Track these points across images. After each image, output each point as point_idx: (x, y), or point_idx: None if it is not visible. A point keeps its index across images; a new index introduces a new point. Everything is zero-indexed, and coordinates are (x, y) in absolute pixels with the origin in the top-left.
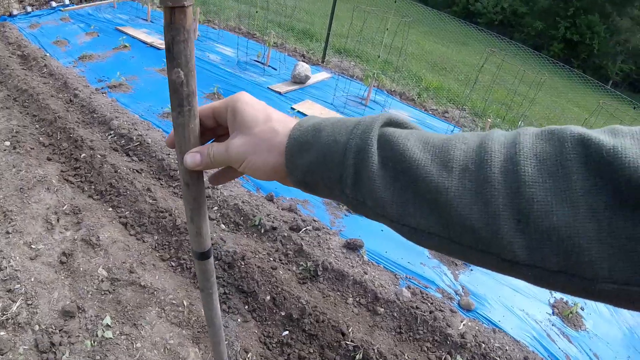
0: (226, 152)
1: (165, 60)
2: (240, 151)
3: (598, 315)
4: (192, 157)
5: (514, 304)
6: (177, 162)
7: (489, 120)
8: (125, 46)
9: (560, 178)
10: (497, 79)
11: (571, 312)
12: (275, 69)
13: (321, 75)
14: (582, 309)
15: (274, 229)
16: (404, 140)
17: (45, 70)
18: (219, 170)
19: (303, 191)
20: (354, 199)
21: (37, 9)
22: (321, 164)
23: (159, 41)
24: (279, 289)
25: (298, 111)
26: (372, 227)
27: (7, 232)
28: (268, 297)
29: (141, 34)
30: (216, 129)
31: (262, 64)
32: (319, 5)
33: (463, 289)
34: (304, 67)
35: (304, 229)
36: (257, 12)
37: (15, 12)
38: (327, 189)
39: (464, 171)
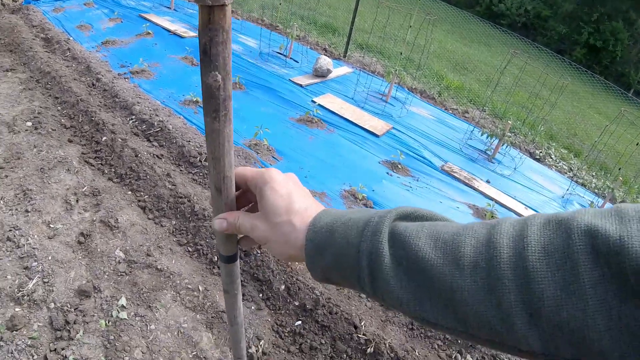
0: (251, 230)
1: (187, 48)
2: (262, 235)
3: None
4: (220, 224)
5: None
6: (197, 148)
7: (509, 122)
8: (149, 33)
9: (568, 271)
10: (519, 81)
11: None
12: (297, 62)
13: (342, 70)
14: None
15: None
16: (415, 240)
17: (68, 53)
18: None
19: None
20: (374, 295)
21: None
22: (338, 266)
23: (182, 29)
24: (294, 279)
25: (319, 104)
26: None
27: (27, 211)
28: (282, 287)
29: (164, 22)
30: (248, 193)
31: (284, 56)
32: None
33: None
34: (325, 61)
35: None
36: (280, 4)
37: None
38: (348, 285)
39: (475, 268)
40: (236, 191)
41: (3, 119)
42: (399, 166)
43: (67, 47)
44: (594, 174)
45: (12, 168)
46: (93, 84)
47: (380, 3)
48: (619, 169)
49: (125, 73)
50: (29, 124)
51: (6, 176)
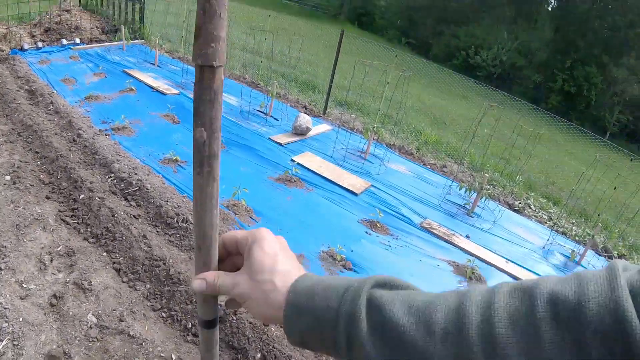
0: (231, 288)
1: (169, 106)
2: (243, 292)
3: None
4: (199, 285)
5: None
6: (174, 209)
7: (486, 175)
8: (132, 89)
9: (532, 335)
10: (496, 132)
11: None
12: (277, 120)
13: (322, 128)
14: None
15: None
16: (389, 306)
17: (51, 107)
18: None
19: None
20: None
21: (48, 45)
22: (316, 329)
23: (164, 86)
24: (270, 347)
25: (298, 163)
26: None
27: (0, 269)
28: (259, 355)
29: (148, 78)
30: (236, 258)
31: (265, 114)
32: (322, 56)
33: None
34: (305, 119)
35: None
36: (261, 61)
37: (26, 46)
38: (324, 349)
39: (446, 335)
40: (227, 256)
41: None
42: (378, 225)
43: (50, 100)
44: (573, 221)
45: None
46: (74, 140)
47: (358, 61)
48: (598, 214)
49: (106, 129)
50: (8, 178)
51: None
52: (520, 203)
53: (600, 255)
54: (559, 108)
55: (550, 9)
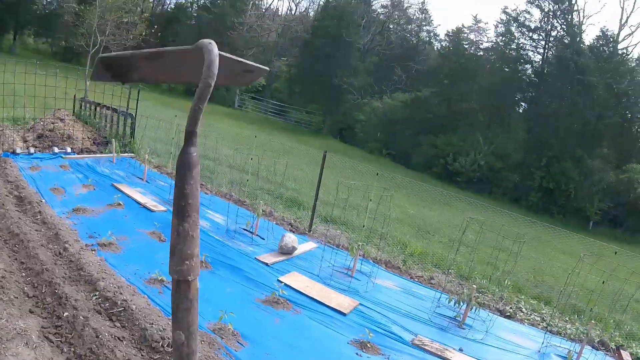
0: None
1: (155, 223)
2: None
3: None
4: None
5: None
6: (159, 332)
7: (474, 286)
8: (119, 204)
9: None
10: (480, 238)
11: None
12: (263, 239)
13: (308, 246)
14: None
15: None
16: None
17: (39, 217)
18: None
19: None
20: None
21: (39, 151)
22: None
23: (152, 202)
24: None
25: (285, 284)
26: None
27: None
28: None
29: (136, 194)
30: None
31: (251, 232)
32: (308, 171)
33: None
34: (291, 239)
35: None
36: (247, 180)
37: (18, 150)
38: None
39: None
40: None
41: None
42: (369, 345)
43: (38, 209)
44: (567, 319)
45: None
46: (60, 253)
47: (341, 182)
48: (591, 309)
49: (93, 244)
50: None
51: None
52: (511, 308)
53: (597, 350)
54: (539, 205)
55: (521, 110)
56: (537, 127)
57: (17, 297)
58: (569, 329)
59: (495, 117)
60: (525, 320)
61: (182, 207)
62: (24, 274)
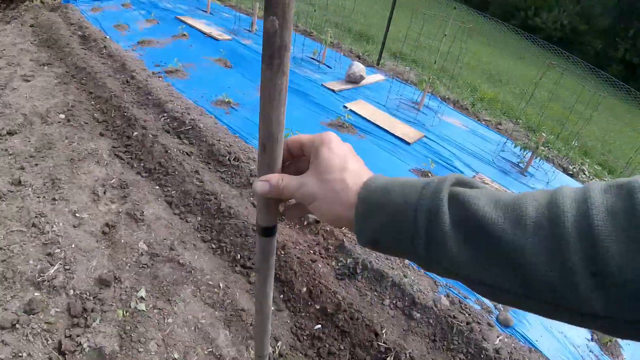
0: (297, 189)
1: (221, 51)
2: (311, 192)
3: (637, 346)
4: (262, 186)
5: (554, 325)
6: (226, 147)
7: (543, 135)
8: (184, 35)
9: (633, 230)
10: (554, 94)
11: (610, 341)
12: (330, 67)
13: (375, 77)
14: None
15: (317, 221)
16: (475, 200)
17: (104, 51)
18: (295, 205)
19: (370, 249)
20: (427, 259)
21: None
22: (391, 225)
23: (217, 32)
24: (316, 282)
25: (350, 109)
26: None
27: (54, 199)
28: (304, 289)
29: (200, 25)
30: (299, 161)
31: (318, 61)
32: (377, 8)
33: None
34: (359, 67)
35: None
36: (315, 10)
37: None
38: (397, 249)
39: (537, 228)
40: (290, 158)
41: (37, 110)
42: (430, 175)
43: (103, 45)
44: None
45: (43, 157)
46: (127, 81)
47: (416, 10)
48: None
49: (159, 72)
50: (62, 116)
51: (36, 164)
52: (574, 167)
53: None
54: (619, 78)
55: None
56: None
57: (87, 123)
58: None
59: None
60: (587, 182)
61: None
62: (92, 102)
